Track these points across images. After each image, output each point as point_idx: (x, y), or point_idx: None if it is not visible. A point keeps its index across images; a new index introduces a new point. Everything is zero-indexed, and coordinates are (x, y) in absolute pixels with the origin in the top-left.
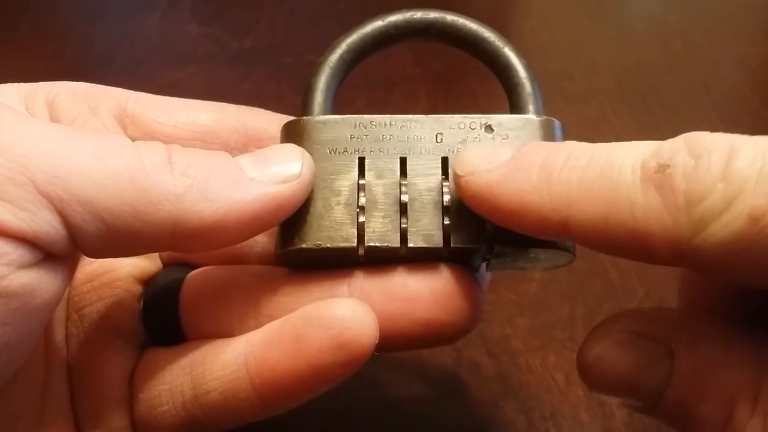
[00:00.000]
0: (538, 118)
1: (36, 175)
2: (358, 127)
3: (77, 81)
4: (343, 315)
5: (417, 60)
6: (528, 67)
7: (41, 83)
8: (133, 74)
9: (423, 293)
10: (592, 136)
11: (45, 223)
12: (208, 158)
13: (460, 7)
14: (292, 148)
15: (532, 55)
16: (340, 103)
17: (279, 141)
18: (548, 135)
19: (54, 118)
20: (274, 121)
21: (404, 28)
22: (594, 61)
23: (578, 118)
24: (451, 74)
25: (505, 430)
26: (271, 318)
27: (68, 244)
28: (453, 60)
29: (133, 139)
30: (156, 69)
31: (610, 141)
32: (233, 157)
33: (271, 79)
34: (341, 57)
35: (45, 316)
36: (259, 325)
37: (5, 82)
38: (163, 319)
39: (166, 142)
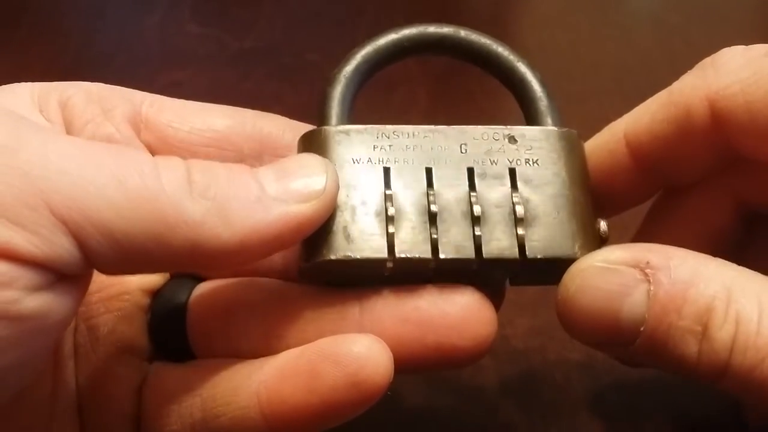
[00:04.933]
0: (559, 130)
1: (52, 198)
2: (380, 137)
3: (77, 81)
4: (359, 353)
5: (417, 60)
6: (543, 82)
7: (55, 83)
8: (133, 74)
9: (435, 317)
10: (592, 136)
11: (59, 248)
12: (228, 176)
13: (460, 6)
14: (315, 160)
15: (532, 55)
16: None
17: (295, 150)
18: (569, 146)
19: (67, 121)
20: (290, 129)
21: (418, 41)
22: (594, 61)
23: (578, 118)
24: (451, 74)
25: (505, 430)
26: (280, 339)
27: (82, 265)
28: (453, 60)
29: (147, 144)
30: (156, 69)
31: None
32: (252, 168)
33: (271, 79)
34: (356, 68)
35: (58, 335)
36: (268, 346)
37: (5, 82)
38: (171, 336)
39: (179, 147)
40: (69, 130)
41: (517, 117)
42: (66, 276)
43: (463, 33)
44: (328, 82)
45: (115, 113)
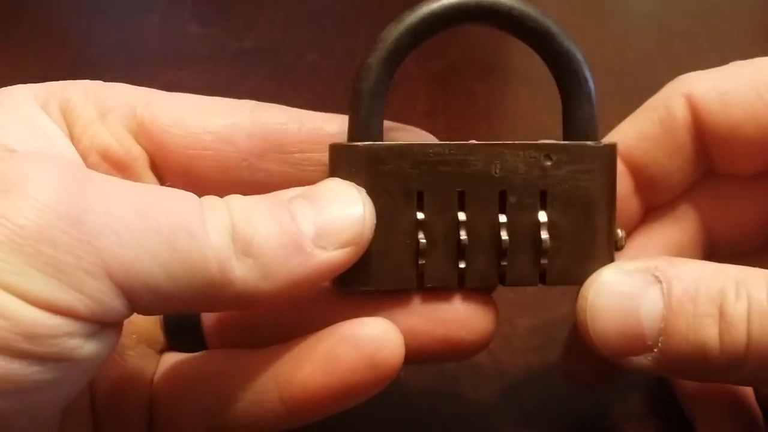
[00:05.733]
0: (595, 146)
1: (112, 267)
2: (414, 155)
3: (76, 80)
4: (376, 335)
5: (417, 60)
6: (592, 79)
7: (56, 83)
8: (133, 74)
9: (447, 313)
10: None
11: (112, 309)
12: (268, 222)
13: None
14: (353, 197)
15: (532, 56)
16: (340, 104)
17: (314, 152)
18: (603, 164)
19: (69, 128)
20: (293, 120)
21: (467, 11)
22: (594, 61)
23: None
24: (451, 74)
25: (505, 430)
26: (294, 331)
27: (127, 315)
28: (453, 60)
29: (144, 149)
30: (156, 69)
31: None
32: (287, 201)
33: (271, 79)
34: (396, 47)
35: (98, 371)
36: (282, 338)
37: (5, 82)
38: (185, 327)
39: (176, 152)
40: (71, 137)
41: (518, 117)
42: (110, 323)
43: (518, 6)
44: (361, 74)
45: (111, 118)
